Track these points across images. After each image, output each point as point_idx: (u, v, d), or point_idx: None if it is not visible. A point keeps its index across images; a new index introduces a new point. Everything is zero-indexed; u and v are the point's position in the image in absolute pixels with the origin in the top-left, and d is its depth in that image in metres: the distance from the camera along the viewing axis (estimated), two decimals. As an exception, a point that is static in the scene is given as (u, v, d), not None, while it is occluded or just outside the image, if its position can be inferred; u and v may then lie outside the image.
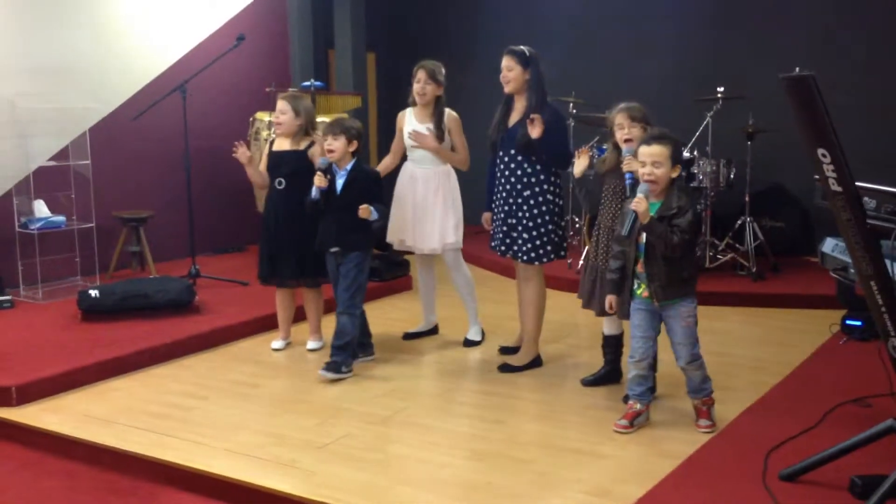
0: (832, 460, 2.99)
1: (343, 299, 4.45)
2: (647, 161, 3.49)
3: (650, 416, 3.73)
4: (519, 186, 4.43)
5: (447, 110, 4.87)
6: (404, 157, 5.04)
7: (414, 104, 4.91)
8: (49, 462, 3.66)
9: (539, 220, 4.40)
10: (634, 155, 3.82)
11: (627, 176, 3.83)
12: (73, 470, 3.58)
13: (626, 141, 3.88)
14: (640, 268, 3.58)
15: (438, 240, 4.87)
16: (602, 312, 4.08)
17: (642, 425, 3.67)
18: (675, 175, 3.50)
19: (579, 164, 4.17)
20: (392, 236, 5.01)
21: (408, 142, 4.90)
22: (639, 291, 3.61)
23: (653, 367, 3.73)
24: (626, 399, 3.85)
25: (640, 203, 3.43)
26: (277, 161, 4.73)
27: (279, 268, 4.75)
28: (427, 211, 4.87)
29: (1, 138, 5.89)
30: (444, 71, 4.88)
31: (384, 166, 5.07)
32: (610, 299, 3.74)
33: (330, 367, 4.38)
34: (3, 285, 5.73)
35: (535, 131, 4.25)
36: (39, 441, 3.80)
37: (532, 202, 4.41)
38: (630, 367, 3.69)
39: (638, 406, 3.67)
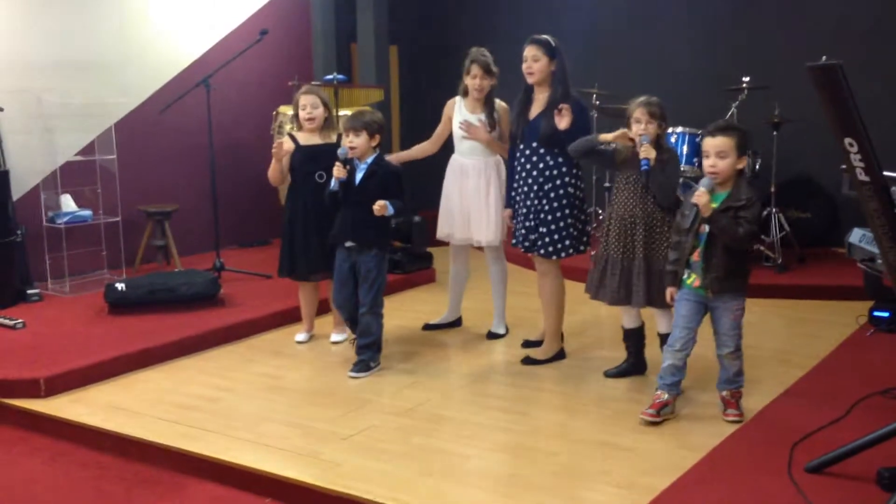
0: (859, 452, 2.96)
1: (366, 300, 4.41)
2: (711, 152, 3.46)
3: (675, 409, 3.71)
4: (541, 180, 4.38)
5: (497, 101, 4.81)
6: (445, 148, 5.01)
7: (465, 94, 4.86)
8: (77, 453, 3.72)
9: (560, 214, 4.36)
10: (651, 143, 3.82)
11: (643, 162, 3.82)
12: (100, 461, 3.63)
13: (643, 135, 3.88)
14: (695, 257, 3.55)
15: (494, 231, 4.80)
16: (615, 301, 4.06)
17: (668, 417, 3.65)
18: (741, 166, 3.47)
19: (652, 153, 3.86)
20: (441, 231, 4.99)
21: (457, 132, 4.85)
22: (689, 281, 3.59)
23: (687, 359, 3.69)
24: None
25: (700, 196, 3.41)
26: (312, 155, 4.68)
27: (302, 262, 4.75)
28: (480, 202, 4.82)
29: (28, 133, 5.97)
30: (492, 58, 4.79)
31: (421, 150, 5.05)
32: (671, 291, 3.69)
33: (358, 367, 4.38)
34: (32, 279, 5.80)
35: (563, 122, 4.18)
36: (68, 432, 3.85)
37: (553, 195, 4.36)
38: (666, 356, 3.66)
39: (665, 396, 3.65)
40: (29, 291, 5.64)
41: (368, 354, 4.42)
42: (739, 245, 3.43)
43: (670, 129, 5.87)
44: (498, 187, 4.85)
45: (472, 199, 4.86)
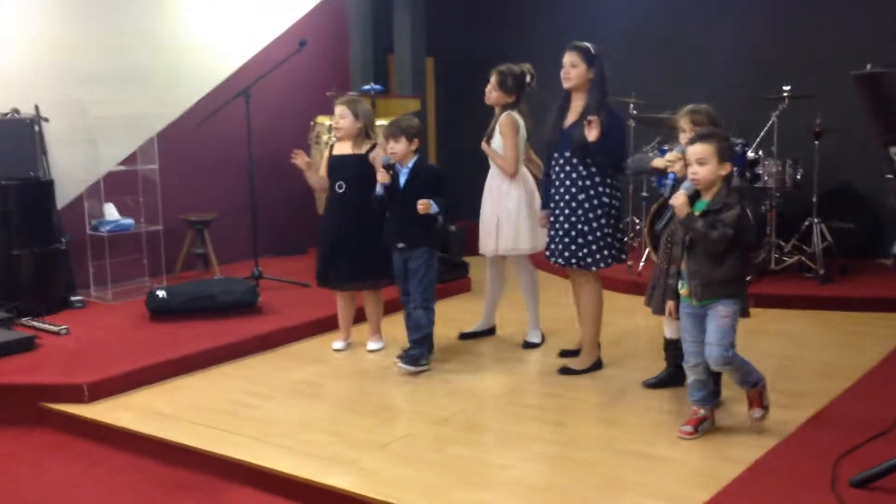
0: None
1: (416, 295, 4.51)
2: (692, 159, 3.45)
3: (715, 422, 3.66)
4: (574, 189, 4.35)
5: (506, 114, 4.84)
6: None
7: None
8: (119, 457, 3.77)
9: (596, 224, 4.32)
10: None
11: (670, 176, 3.80)
12: (142, 465, 3.68)
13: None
14: (683, 266, 3.53)
15: (512, 241, 4.82)
16: (659, 311, 4.03)
17: (708, 431, 3.61)
18: (723, 172, 3.44)
19: (678, 166, 3.80)
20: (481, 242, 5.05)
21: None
22: (681, 291, 3.56)
23: (710, 370, 3.65)
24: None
25: (676, 198, 3.43)
26: (338, 165, 4.78)
27: (336, 271, 4.80)
28: (493, 213, 4.87)
29: (73, 144, 6.10)
30: (526, 78, 4.82)
31: None
32: (670, 305, 3.68)
33: (408, 359, 4.43)
34: (76, 286, 5.90)
35: (591, 134, 4.16)
36: (110, 437, 3.91)
37: (587, 206, 4.32)
38: (687, 373, 3.63)
39: (702, 412, 3.60)
40: (73, 298, 5.75)
41: (419, 350, 4.48)
42: (715, 248, 3.39)
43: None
44: (513, 196, 4.84)
45: (488, 210, 4.91)
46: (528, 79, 4.85)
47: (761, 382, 3.58)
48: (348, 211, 4.71)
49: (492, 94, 4.87)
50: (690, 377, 3.61)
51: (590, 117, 4.19)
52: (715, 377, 3.67)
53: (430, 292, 4.56)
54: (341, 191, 4.74)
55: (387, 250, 4.64)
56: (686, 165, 3.51)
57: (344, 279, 4.81)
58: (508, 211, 4.83)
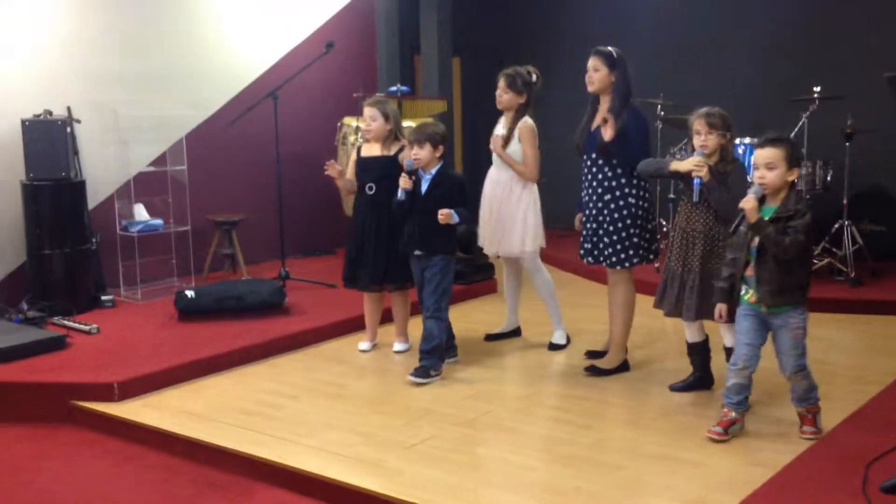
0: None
1: (429, 304, 4.48)
2: (760, 163, 3.41)
3: (744, 426, 3.63)
4: (600, 190, 4.39)
5: (524, 118, 4.84)
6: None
7: None
8: (148, 456, 3.81)
9: (620, 225, 4.35)
10: (712, 154, 3.78)
11: (696, 181, 3.79)
12: (171, 464, 3.71)
13: (702, 146, 3.85)
14: (749, 271, 3.50)
15: (522, 242, 4.86)
16: (671, 313, 4.02)
17: (736, 434, 3.58)
18: (791, 178, 3.41)
19: (703, 171, 3.83)
20: (480, 241, 5.05)
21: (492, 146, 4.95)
22: (746, 297, 3.53)
23: (751, 377, 3.62)
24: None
25: (746, 202, 3.38)
26: (367, 166, 4.79)
27: (365, 272, 4.80)
28: (505, 214, 4.87)
29: (104, 144, 6.18)
30: (532, 79, 4.85)
31: None
32: (720, 308, 3.65)
33: (419, 372, 4.42)
34: (106, 285, 5.98)
35: (606, 133, 4.24)
36: (140, 435, 3.95)
37: (613, 206, 4.36)
38: (730, 375, 3.60)
39: (733, 414, 3.58)
40: (103, 297, 5.82)
41: (430, 361, 4.45)
42: (786, 255, 3.36)
43: (737, 140, 5.78)
44: (527, 199, 4.85)
45: (496, 211, 4.90)
46: (534, 79, 4.87)
47: (818, 402, 3.57)
48: (378, 212, 4.71)
49: (503, 96, 4.85)
50: (732, 380, 3.58)
51: (604, 116, 4.27)
52: (751, 383, 3.62)
53: (444, 302, 4.51)
54: (371, 192, 4.74)
55: (404, 256, 4.63)
56: (755, 168, 3.45)
57: (372, 280, 4.81)
58: (523, 214, 4.84)
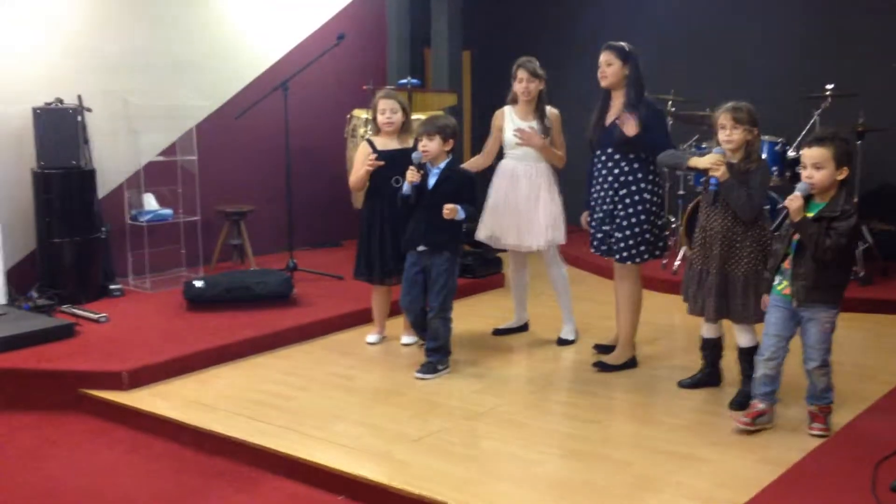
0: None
1: (435, 304, 4.44)
2: (808, 163, 3.40)
3: (773, 419, 3.62)
4: (616, 185, 4.38)
5: (548, 107, 4.83)
6: (498, 157, 5.03)
7: (513, 102, 4.89)
8: (156, 445, 3.82)
9: (635, 220, 4.35)
10: (738, 150, 3.75)
11: (712, 181, 3.76)
12: (179, 453, 3.72)
13: (727, 141, 3.80)
14: (786, 264, 3.49)
15: (544, 236, 4.80)
16: (692, 311, 4.00)
17: (764, 426, 3.58)
18: (841, 177, 3.39)
19: (719, 171, 3.78)
20: (480, 233, 4.98)
21: (510, 139, 4.85)
22: (779, 287, 3.52)
23: (780, 368, 3.60)
24: (733, 406, 3.84)
25: (792, 200, 3.37)
26: (390, 160, 4.68)
27: (387, 266, 4.75)
28: (531, 208, 4.82)
29: (114, 134, 6.19)
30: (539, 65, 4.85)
31: (475, 165, 5.03)
32: (765, 298, 3.64)
33: (425, 368, 4.41)
34: (114, 274, 5.99)
35: (628, 129, 4.21)
36: (148, 424, 3.96)
37: (628, 201, 4.36)
38: (758, 365, 3.60)
39: (761, 406, 3.58)
40: (112, 287, 5.83)
41: (436, 358, 4.44)
42: (824, 256, 3.34)
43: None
44: (549, 192, 4.83)
45: (522, 205, 4.84)
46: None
47: (831, 403, 3.57)
48: (395, 205, 4.63)
49: (530, 85, 4.77)
50: (760, 370, 3.58)
51: (621, 116, 4.24)
52: (779, 375, 3.61)
53: (449, 301, 4.47)
54: (398, 185, 4.58)
55: (403, 251, 4.57)
56: (803, 167, 3.43)
57: (390, 273, 4.76)
58: (548, 205, 4.81)
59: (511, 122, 4.89)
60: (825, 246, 3.32)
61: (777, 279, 3.54)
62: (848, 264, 3.56)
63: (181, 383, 4.35)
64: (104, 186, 6.03)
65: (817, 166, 3.37)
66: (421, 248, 4.47)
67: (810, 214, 3.39)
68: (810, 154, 3.39)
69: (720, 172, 3.74)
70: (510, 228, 4.88)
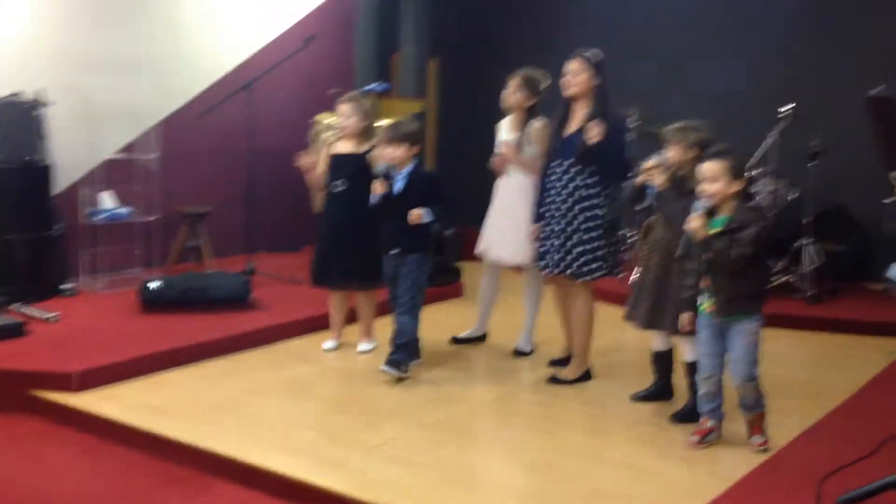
0: (889, 489, 2.92)
1: (404, 300, 4.50)
2: (703, 177, 3.47)
3: (722, 435, 3.69)
4: (572, 200, 4.35)
5: (534, 120, 4.76)
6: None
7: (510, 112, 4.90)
8: (106, 448, 3.76)
9: (593, 234, 4.33)
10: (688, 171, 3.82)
11: (647, 190, 3.83)
12: (129, 457, 3.67)
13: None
14: (704, 283, 3.55)
15: (522, 251, 4.75)
16: (645, 325, 4.06)
17: (713, 443, 3.64)
18: (735, 189, 3.46)
19: (658, 178, 3.89)
20: (478, 247, 5.02)
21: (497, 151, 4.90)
22: (703, 307, 3.59)
23: (721, 383, 3.66)
24: (675, 417, 3.91)
25: (692, 221, 3.45)
26: (338, 164, 4.78)
27: (332, 270, 4.80)
28: (505, 222, 4.84)
29: (73, 130, 6.08)
30: (546, 82, 4.79)
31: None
32: (684, 317, 3.70)
33: (392, 363, 4.43)
34: (67, 273, 5.88)
35: (592, 134, 4.15)
36: (98, 427, 3.89)
37: (586, 215, 4.33)
38: (699, 384, 3.68)
39: (710, 423, 3.65)
40: (64, 286, 5.73)
41: (402, 354, 4.47)
42: (734, 267, 3.42)
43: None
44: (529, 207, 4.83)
45: (500, 219, 4.88)
46: (542, 85, 4.81)
47: (764, 409, 3.64)
48: (347, 210, 4.71)
49: (512, 96, 4.78)
50: (702, 389, 3.65)
51: (589, 124, 4.20)
52: (721, 391, 3.68)
53: (419, 299, 4.55)
54: (342, 189, 4.73)
55: (373, 256, 4.63)
56: (700, 182, 3.49)
57: (340, 278, 4.81)
58: (520, 222, 4.75)
59: (502, 133, 4.91)
60: (732, 258, 3.39)
61: (700, 299, 3.61)
62: (762, 273, 3.61)
63: (133, 386, 4.29)
64: (60, 183, 5.93)
65: (712, 179, 3.45)
66: (394, 251, 4.52)
67: (715, 230, 3.45)
68: (705, 168, 3.47)
69: (654, 177, 3.81)
70: (492, 242, 4.92)
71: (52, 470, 3.56)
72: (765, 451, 3.57)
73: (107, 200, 6.17)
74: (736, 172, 3.46)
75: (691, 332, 3.73)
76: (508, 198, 4.87)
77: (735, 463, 3.45)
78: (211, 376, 4.50)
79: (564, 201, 4.37)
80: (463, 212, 5.82)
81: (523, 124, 4.80)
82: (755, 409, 3.61)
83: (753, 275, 3.50)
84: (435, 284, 6.35)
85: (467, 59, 8.78)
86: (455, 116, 8.62)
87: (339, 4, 7.96)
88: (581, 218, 4.33)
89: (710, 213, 3.48)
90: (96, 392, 4.17)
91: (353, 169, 4.71)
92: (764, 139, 6.38)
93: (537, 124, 4.76)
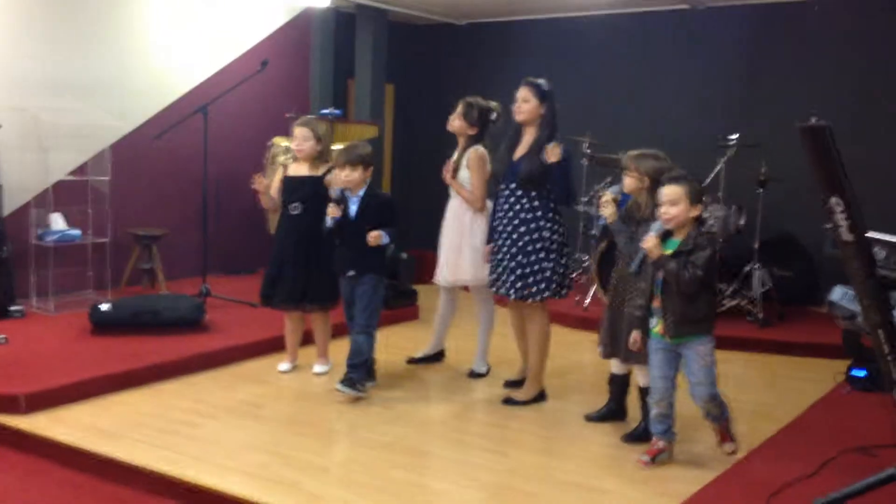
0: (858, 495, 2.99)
1: (360, 320, 4.51)
2: (664, 200, 3.56)
3: (672, 455, 3.75)
4: (516, 221, 4.42)
5: (474, 147, 4.89)
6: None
7: None
8: (54, 471, 3.69)
9: (533, 258, 4.38)
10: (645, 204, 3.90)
11: (600, 220, 3.91)
12: (78, 480, 3.60)
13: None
14: (656, 303, 3.62)
15: (470, 272, 4.85)
16: (605, 356, 4.12)
17: (664, 462, 3.69)
18: (693, 214, 3.56)
19: (607, 211, 3.97)
20: (438, 273, 5.07)
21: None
22: (655, 329, 3.65)
23: (673, 405, 3.73)
24: (627, 438, 3.95)
25: (648, 241, 3.53)
26: (293, 186, 4.79)
27: (283, 290, 4.79)
28: (457, 243, 4.91)
29: (23, 151, 6.01)
30: (491, 116, 4.89)
31: None
32: (635, 336, 3.75)
33: (346, 382, 4.42)
34: (15, 295, 5.77)
35: (551, 155, 4.23)
36: (46, 450, 3.82)
37: (528, 238, 4.38)
38: (650, 406, 3.73)
39: (661, 444, 3.70)
40: (12, 308, 5.62)
41: (357, 374, 4.47)
42: (687, 289, 3.50)
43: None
44: (478, 228, 4.88)
45: (451, 241, 4.95)
46: (493, 116, 4.92)
47: (729, 416, 3.74)
48: (302, 232, 4.71)
49: (455, 122, 4.92)
50: (654, 410, 3.71)
51: (548, 145, 4.27)
52: (672, 412, 3.74)
53: (374, 319, 4.57)
54: (297, 212, 4.74)
55: (328, 278, 4.64)
56: (660, 205, 3.57)
57: (289, 298, 4.80)
58: (475, 241, 4.85)
59: (456, 153, 5.01)
60: (685, 279, 3.48)
61: (652, 321, 3.68)
62: (711, 295, 3.70)
63: (83, 409, 4.22)
64: (9, 204, 5.84)
65: (672, 202, 3.54)
66: (350, 273, 4.52)
67: (669, 252, 3.54)
68: (665, 192, 3.56)
69: (606, 212, 3.89)
70: (444, 264, 4.98)
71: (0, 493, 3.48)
72: (734, 454, 3.69)
73: (58, 222, 6.08)
74: (695, 197, 3.55)
75: (640, 353, 3.79)
76: (449, 221, 5.00)
77: (687, 482, 3.50)
78: (162, 398, 4.44)
79: (510, 223, 4.44)
80: (418, 235, 5.86)
81: (464, 149, 4.93)
82: (721, 420, 3.71)
83: (702, 299, 3.59)
84: (391, 307, 6.38)
85: (423, 84, 8.87)
86: (410, 141, 8.68)
87: (294, 30, 7.99)
88: (526, 239, 4.39)
89: (665, 235, 3.57)
90: (45, 414, 4.10)
91: (308, 191, 4.72)
92: (712, 167, 6.54)
93: (473, 153, 4.88)
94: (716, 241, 6.06)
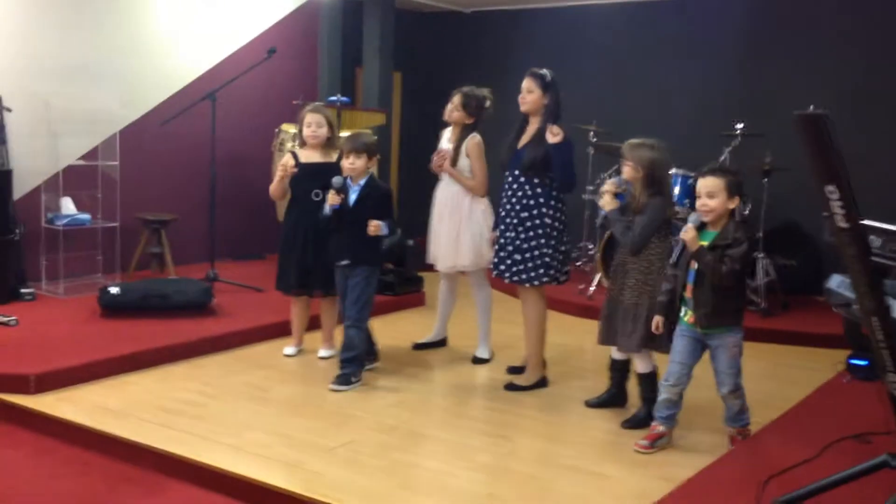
0: (827, 491, 3.03)
1: (351, 313, 4.52)
2: (702, 192, 3.57)
3: (672, 441, 3.79)
4: (518, 207, 4.47)
5: (471, 135, 4.96)
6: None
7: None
8: (62, 450, 3.76)
9: (534, 243, 4.43)
10: (642, 190, 3.93)
11: (601, 213, 3.95)
12: (85, 458, 3.68)
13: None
14: (688, 293, 3.65)
15: (469, 258, 4.93)
16: (602, 342, 4.15)
17: (663, 448, 3.73)
18: (732, 206, 3.58)
19: (603, 200, 4.10)
20: (429, 255, 5.14)
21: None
22: (685, 318, 3.68)
23: (682, 394, 3.77)
24: (626, 424, 3.98)
25: (687, 232, 3.54)
26: (312, 173, 4.76)
27: (312, 279, 4.80)
28: (453, 229, 4.96)
29: (34, 136, 6.07)
30: (485, 103, 4.97)
31: None
32: (657, 320, 3.78)
33: (340, 380, 4.46)
34: (26, 278, 5.85)
35: (552, 137, 4.29)
36: (54, 429, 3.90)
37: (529, 224, 4.44)
38: (661, 390, 3.76)
39: (661, 429, 3.74)
40: (23, 290, 5.70)
41: (350, 369, 4.49)
42: (721, 282, 3.53)
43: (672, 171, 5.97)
44: (478, 213, 4.95)
45: (448, 226, 4.99)
46: (486, 103, 4.99)
47: (748, 424, 3.76)
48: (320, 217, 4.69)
49: (454, 113, 4.98)
50: (664, 395, 3.73)
51: (552, 126, 4.32)
52: (680, 400, 3.77)
53: (366, 312, 4.55)
54: (318, 199, 4.67)
55: (330, 266, 4.65)
56: (698, 196, 3.60)
57: (319, 286, 4.82)
58: (474, 227, 4.92)
59: (442, 142, 5.04)
60: (722, 272, 3.50)
61: (682, 309, 3.71)
62: (743, 288, 3.75)
63: (91, 389, 4.30)
64: (21, 188, 5.91)
65: (711, 195, 3.56)
66: (344, 262, 4.54)
67: (704, 243, 3.57)
68: (705, 183, 3.58)
69: (603, 201, 3.93)
70: (441, 249, 5.02)
71: (9, 471, 3.55)
72: None
73: (68, 206, 6.15)
74: (734, 190, 3.57)
75: (632, 343, 3.81)
76: (441, 207, 5.04)
77: (686, 466, 3.54)
78: (169, 380, 4.51)
79: (513, 208, 4.50)
80: (424, 222, 5.89)
81: (461, 138, 4.96)
82: (739, 422, 3.74)
83: (735, 290, 3.61)
84: (397, 293, 6.44)
85: (430, 72, 8.89)
86: (417, 129, 8.71)
87: (302, 17, 8.02)
88: (527, 224, 4.45)
89: (701, 227, 3.59)
90: (54, 394, 4.18)
91: (328, 177, 4.64)
92: (714, 156, 6.55)
93: (471, 141, 4.94)
94: (754, 235, 6.09)
